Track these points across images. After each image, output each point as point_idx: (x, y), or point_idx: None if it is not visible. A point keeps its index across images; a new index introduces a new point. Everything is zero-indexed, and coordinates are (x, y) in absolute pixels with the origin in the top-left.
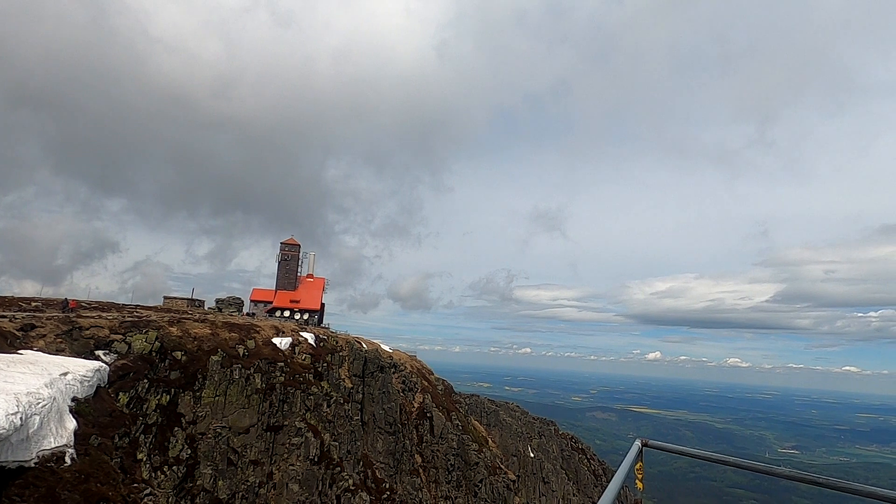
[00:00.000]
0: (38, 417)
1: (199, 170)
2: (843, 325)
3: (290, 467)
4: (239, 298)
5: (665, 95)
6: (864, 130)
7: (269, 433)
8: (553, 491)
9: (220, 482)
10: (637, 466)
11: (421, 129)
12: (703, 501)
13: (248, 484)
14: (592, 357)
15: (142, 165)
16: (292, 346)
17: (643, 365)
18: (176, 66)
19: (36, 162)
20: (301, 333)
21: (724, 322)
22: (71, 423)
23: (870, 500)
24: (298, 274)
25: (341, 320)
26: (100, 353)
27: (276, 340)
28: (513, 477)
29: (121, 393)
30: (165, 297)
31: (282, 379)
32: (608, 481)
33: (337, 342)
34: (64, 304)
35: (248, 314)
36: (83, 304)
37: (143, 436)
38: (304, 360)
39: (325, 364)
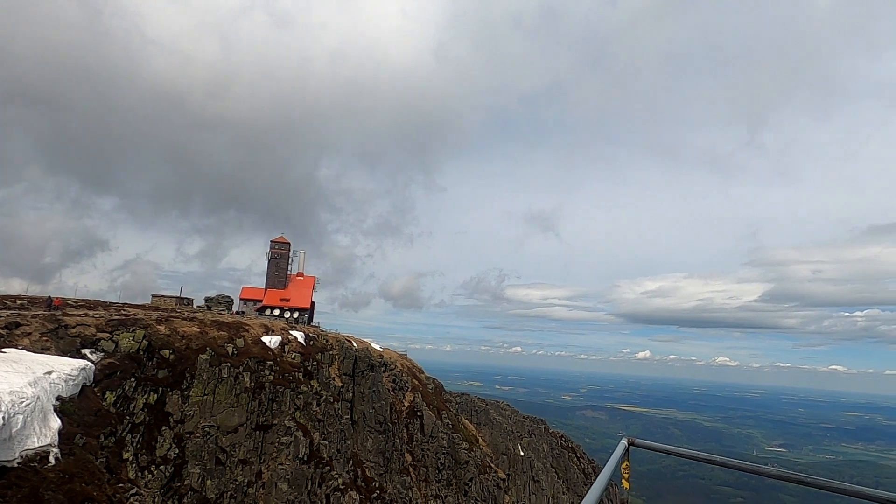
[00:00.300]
0: (21, 417)
1: (193, 169)
2: (829, 325)
3: (280, 466)
4: (228, 297)
5: (658, 98)
6: (851, 133)
7: (258, 432)
8: (543, 489)
9: (209, 482)
10: (623, 465)
11: (414, 130)
12: (692, 499)
13: (237, 483)
14: (582, 356)
15: (135, 164)
16: (282, 344)
17: (633, 364)
18: (172, 67)
19: (27, 159)
20: (291, 332)
21: (712, 321)
22: (55, 423)
23: (857, 500)
24: (288, 272)
25: (332, 319)
26: (86, 351)
27: (265, 339)
28: (503, 475)
29: (107, 392)
30: (154, 296)
31: (271, 378)
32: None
33: (327, 341)
34: (48, 302)
35: (237, 313)
36: (69, 302)
37: (129, 435)
38: (293, 358)
39: (314, 363)
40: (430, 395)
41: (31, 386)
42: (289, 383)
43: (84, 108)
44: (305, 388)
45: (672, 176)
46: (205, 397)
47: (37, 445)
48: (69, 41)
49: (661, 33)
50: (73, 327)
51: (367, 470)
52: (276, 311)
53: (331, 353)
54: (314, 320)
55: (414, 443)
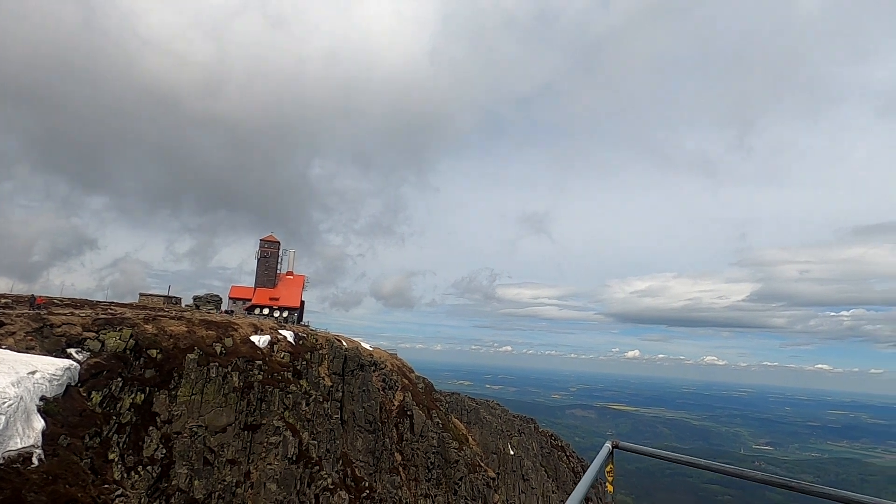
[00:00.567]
0: (3, 417)
1: (185, 168)
2: (816, 324)
3: (268, 466)
4: (217, 296)
5: (649, 101)
6: (837, 137)
7: (246, 432)
8: (533, 488)
9: (196, 482)
10: (608, 468)
11: (408, 130)
12: (680, 497)
13: (225, 483)
14: (572, 355)
15: (127, 163)
16: (271, 343)
17: (622, 363)
18: (165, 66)
19: (17, 157)
20: (280, 331)
21: (701, 321)
22: (39, 423)
23: None
24: (278, 271)
25: (323, 318)
26: (72, 350)
27: (254, 338)
28: (493, 474)
29: (93, 392)
30: (141, 295)
31: (260, 377)
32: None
33: (317, 340)
34: (31, 301)
35: (226, 312)
36: (55, 301)
37: (116, 435)
38: (282, 358)
39: (304, 362)
40: (420, 395)
41: (13, 386)
42: (278, 383)
43: (76, 107)
44: (294, 388)
45: (662, 177)
46: (193, 397)
47: (20, 446)
48: (62, 39)
49: (651, 37)
50: (59, 326)
51: (356, 469)
52: (266, 311)
53: (320, 352)
54: (304, 319)
55: (404, 442)
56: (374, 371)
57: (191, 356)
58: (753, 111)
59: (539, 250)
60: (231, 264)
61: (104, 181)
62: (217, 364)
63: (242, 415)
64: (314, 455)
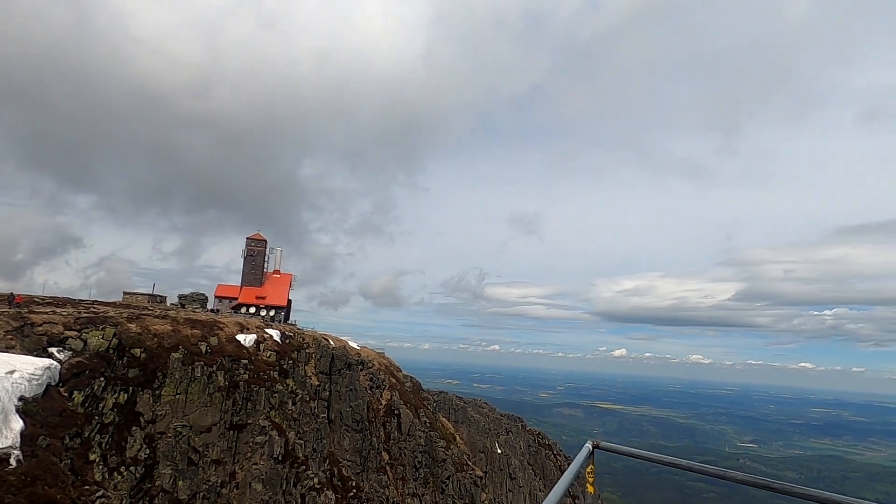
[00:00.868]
0: None
1: (175, 167)
2: (799, 323)
3: (254, 466)
4: (203, 294)
5: (637, 103)
6: (821, 139)
7: (231, 432)
8: (520, 487)
9: (181, 482)
10: (588, 469)
11: (398, 130)
12: (665, 495)
13: (210, 484)
14: (560, 354)
15: (116, 162)
16: (257, 342)
17: (609, 362)
18: (156, 66)
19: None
20: (266, 330)
21: (687, 320)
22: (17, 424)
23: None
24: (265, 270)
25: (311, 317)
26: (53, 350)
27: (240, 337)
28: (480, 473)
29: (75, 392)
30: (125, 293)
31: (245, 376)
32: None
33: (303, 339)
34: (10, 299)
35: (212, 310)
36: (36, 299)
37: (98, 436)
38: (269, 357)
39: (290, 361)
40: (408, 394)
41: None
42: (264, 382)
43: (66, 105)
44: (281, 387)
45: (650, 178)
46: (177, 396)
47: None
48: (53, 38)
49: (640, 41)
50: (40, 325)
51: (343, 469)
52: (252, 309)
53: (307, 351)
54: (291, 318)
55: (391, 441)
56: (361, 370)
57: (175, 355)
58: (739, 115)
59: (528, 250)
60: (218, 263)
61: (92, 180)
62: (202, 363)
63: (228, 414)
64: (300, 455)
